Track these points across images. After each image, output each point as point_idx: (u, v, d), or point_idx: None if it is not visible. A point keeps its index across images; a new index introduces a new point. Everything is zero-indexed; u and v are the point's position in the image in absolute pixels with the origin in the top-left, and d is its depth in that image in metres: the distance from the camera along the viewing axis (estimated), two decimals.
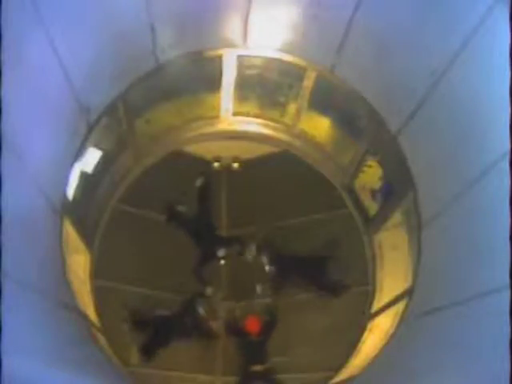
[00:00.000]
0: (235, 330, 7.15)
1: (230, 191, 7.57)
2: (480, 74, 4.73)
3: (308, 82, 6.79)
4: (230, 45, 6.51)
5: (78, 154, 6.12)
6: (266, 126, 7.54)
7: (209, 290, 7.37)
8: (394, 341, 6.04)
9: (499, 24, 4.21)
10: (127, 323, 7.03)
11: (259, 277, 7.40)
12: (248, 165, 7.54)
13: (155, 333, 7.06)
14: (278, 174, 7.44)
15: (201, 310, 7.20)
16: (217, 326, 7.31)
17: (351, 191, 7.40)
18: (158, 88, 6.70)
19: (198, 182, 7.36)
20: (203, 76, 6.87)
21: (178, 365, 7.19)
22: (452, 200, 5.34)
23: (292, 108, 7.28)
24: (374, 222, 7.17)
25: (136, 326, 7.06)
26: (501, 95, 4.11)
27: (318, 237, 7.42)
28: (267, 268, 7.34)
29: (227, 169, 7.53)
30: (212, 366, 7.27)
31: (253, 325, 7.01)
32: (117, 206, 7.24)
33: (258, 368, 6.93)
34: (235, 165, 7.55)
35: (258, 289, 7.37)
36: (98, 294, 6.90)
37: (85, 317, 6.24)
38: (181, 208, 7.33)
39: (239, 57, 6.70)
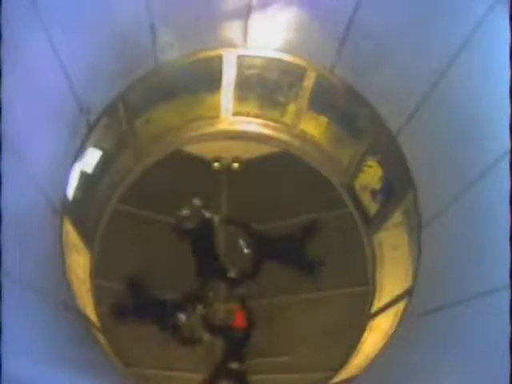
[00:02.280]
0: (218, 328, 7.16)
1: (230, 191, 7.56)
2: (480, 73, 4.73)
3: (308, 82, 6.79)
4: (230, 45, 6.51)
5: (78, 154, 6.12)
6: (266, 126, 7.54)
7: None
8: (393, 341, 6.05)
9: (499, 24, 4.21)
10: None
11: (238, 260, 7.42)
12: (248, 165, 7.53)
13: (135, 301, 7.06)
14: (278, 173, 7.44)
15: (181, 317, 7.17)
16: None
17: (351, 191, 7.40)
18: (158, 88, 6.70)
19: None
20: (203, 76, 6.87)
21: (177, 365, 7.19)
22: (452, 200, 5.34)
23: (292, 108, 7.28)
24: (374, 222, 7.17)
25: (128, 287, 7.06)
26: (501, 95, 4.12)
27: (317, 236, 7.42)
28: (246, 251, 7.33)
29: (227, 169, 7.53)
30: (211, 367, 7.27)
31: (240, 319, 7.01)
32: (117, 206, 7.24)
33: (233, 366, 6.93)
34: (235, 165, 7.54)
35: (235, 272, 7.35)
36: (98, 293, 6.90)
37: (85, 317, 6.24)
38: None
39: (239, 57, 6.70)
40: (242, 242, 7.33)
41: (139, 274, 7.09)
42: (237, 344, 7.03)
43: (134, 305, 7.01)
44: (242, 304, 7.12)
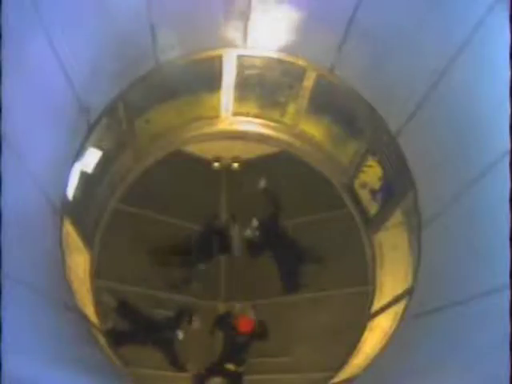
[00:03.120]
0: (226, 324, 7.14)
1: (230, 191, 7.57)
2: (480, 74, 4.73)
3: (308, 82, 6.79)
4: (230, 45, 6.51)
5: (78, 154, 6.12)
6: (265, 126, 7.54)
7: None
8: (393, 341, 6.05)
9: (499, 24, 4.21)
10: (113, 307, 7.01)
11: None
12: (248, 165, 7.53)
13: (133, 330, 7.02)
14: (278, 174, 7.44)
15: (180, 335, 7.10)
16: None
17: (351, 191, 7.40)
18: (158, 88, 6.70)
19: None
20: (203, 76, 6.87)
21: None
22: (452, 200, 5.34)
23: (292, 108, 7.28)
24: (374, 222, 7.17)
25: (119, 312, 7.02)
26: (501, 95, 4.12)
27: (317, 237, 7.42)
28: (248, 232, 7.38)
29: (227, 169, 7.53)
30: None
31: (245, 324, 7.00)
32: (117, 206, 7.24)
33: (230, 366, 6.95)
34: (235, 165, 7.54)
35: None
36: (98, 294, 6.90)
37: (85, 317, 6.24)
38: None
39: (239, 57, 6.70)
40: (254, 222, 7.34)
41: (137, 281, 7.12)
42: (236, 347, 7.02)
43: (131, 330, 7.00)
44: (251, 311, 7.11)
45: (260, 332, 7.03)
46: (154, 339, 7.01)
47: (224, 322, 7.16)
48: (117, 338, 6.87)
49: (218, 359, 7.05)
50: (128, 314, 7.02)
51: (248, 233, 7.36)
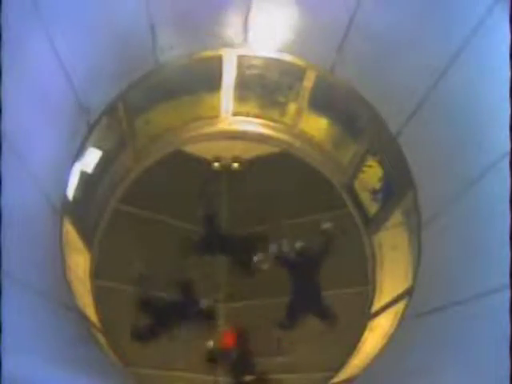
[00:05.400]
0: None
1: (230, 191, 7.56)
2: (480, 74, 4.73)
3: (308, 82, 6.80)
4: (230, 45, 6.52)
5: (78, 154, 6.12)
6: (266, 126, 7.54)
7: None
8: (394, 341, 6.05)
9: (499, 24, 4.21)
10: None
11: None
12: (248, 165, 7.53)
13: (156, 319, 7.11)
14: (278, 174, 7.44)
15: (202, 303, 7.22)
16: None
17: (351, 191, 7.40)
18: (157, 88, 6.70)
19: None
20: (203, 76, 6.88)
21: (177, 365, 7.19)
22: (452, 200, 5.34)
23: (292, 108, 7.28)
24: (374, 222, 7.17)
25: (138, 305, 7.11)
26: (501, 95, 4.12)
27: (318, 237, 7.42)
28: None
29: (227, 169, 7.53)
30: (212, 367, 7.27)
31: (228, 339, 7.10)
32: (117, 206, 7.24)
33: (249, 378, 7.05)
34: (235, 165, 7.54)
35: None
36: (98, 293, 6.90)
37: (85, 317, 6.24)
38: None
39: (239, 57, 6.70)
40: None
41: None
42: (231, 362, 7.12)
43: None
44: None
45: (242, 347, 7.10)
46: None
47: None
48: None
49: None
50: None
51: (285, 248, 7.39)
